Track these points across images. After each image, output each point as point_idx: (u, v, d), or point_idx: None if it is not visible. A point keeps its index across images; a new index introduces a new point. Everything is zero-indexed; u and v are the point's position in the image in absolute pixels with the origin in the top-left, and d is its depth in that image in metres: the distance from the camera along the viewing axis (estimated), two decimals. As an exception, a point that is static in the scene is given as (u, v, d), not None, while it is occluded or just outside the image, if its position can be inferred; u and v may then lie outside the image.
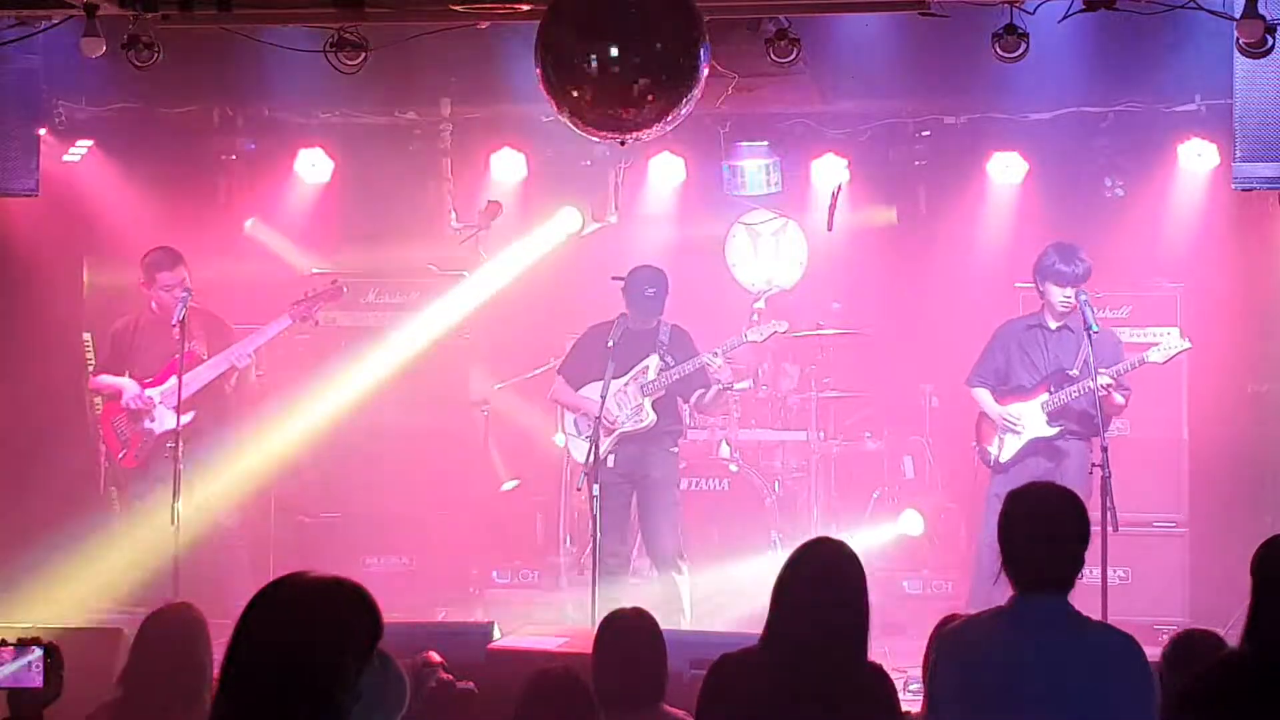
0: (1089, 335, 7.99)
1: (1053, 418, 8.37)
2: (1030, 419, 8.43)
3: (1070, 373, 8.33)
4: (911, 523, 9.83)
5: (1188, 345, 8.39)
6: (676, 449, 8.81)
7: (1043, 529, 4.23)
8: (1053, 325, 8.47)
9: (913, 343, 10.34)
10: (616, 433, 8.51)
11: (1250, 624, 4.24)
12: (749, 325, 8.81)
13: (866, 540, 9.32)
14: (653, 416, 8.56)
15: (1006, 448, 8.48)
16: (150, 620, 5.04)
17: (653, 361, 8.57)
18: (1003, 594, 4.30)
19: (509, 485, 10.41)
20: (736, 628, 7.19)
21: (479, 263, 10.18)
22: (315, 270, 9.81)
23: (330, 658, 2.50)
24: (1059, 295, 8.34)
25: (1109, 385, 8.12)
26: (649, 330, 8.64)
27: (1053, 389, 8.36)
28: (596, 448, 8.26)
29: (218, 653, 5.30)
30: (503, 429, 10.53)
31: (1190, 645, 4.91)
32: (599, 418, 8.34)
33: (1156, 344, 8.41)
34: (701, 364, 8.49)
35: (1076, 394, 8.23)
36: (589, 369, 8.70)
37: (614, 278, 8.68)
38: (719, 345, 8.58)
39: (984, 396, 8.62)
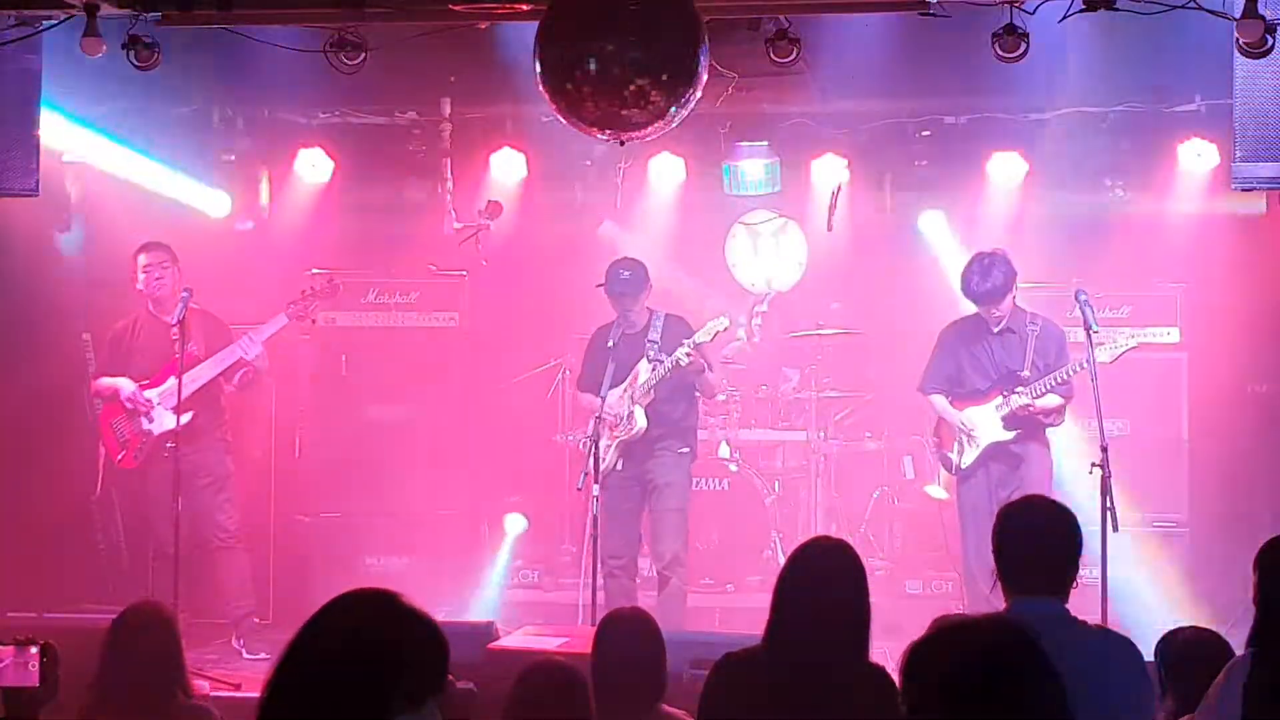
0: (1089, 335, 7.98)
1: (1008, 421, 8.35)
2: (986, 424, 8.41)
3: (1021, 374, 8.31)
4: (936, 492, 9.83)
5: (1134, 343, 8.31)
6: (687, 449, 8.71)
7: (1036, 546, 4.26)
8: (995, 329, 8.44)
9: (913, 343, 10.33)
10: (617, 441, 8.49)
11: (1257, 625, 4.25)
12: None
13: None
14: (642, 424, 8.52)
15: (966, 454, 8.48)
16: (119, 621, 5.08)
17: (642, 367, 8.55)
18: (1000, 597, 4.32)
19: (517, 522, 10.39)
20: (736, 628, 7.19)
21: (478, 263, 10.18)
22: (315, 270, 9.81)
23: (390, 697, 2.41)
24: (985, 313, 8.36)
25: (1026, 405, 8.18)
26: (640, 331, 8.62)
27: (1005, 393, 8.35)
28: (596, 448, 8.26)
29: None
30: (503, 428, 10.53)
31: (1181, 642, 4.91)
32: (599, 418, 8.35)
33: (1103, 344, 8.33)
34: (675, 360, 8.40)
35: (1028, 396, 8.24)
36: (595, 375, 8.70)
37: (597, 285, 8.68)
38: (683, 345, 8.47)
39: (940, 402, 8.61)
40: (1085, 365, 7.99)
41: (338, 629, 2.48)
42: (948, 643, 2.64)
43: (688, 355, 8.33)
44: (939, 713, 2.55)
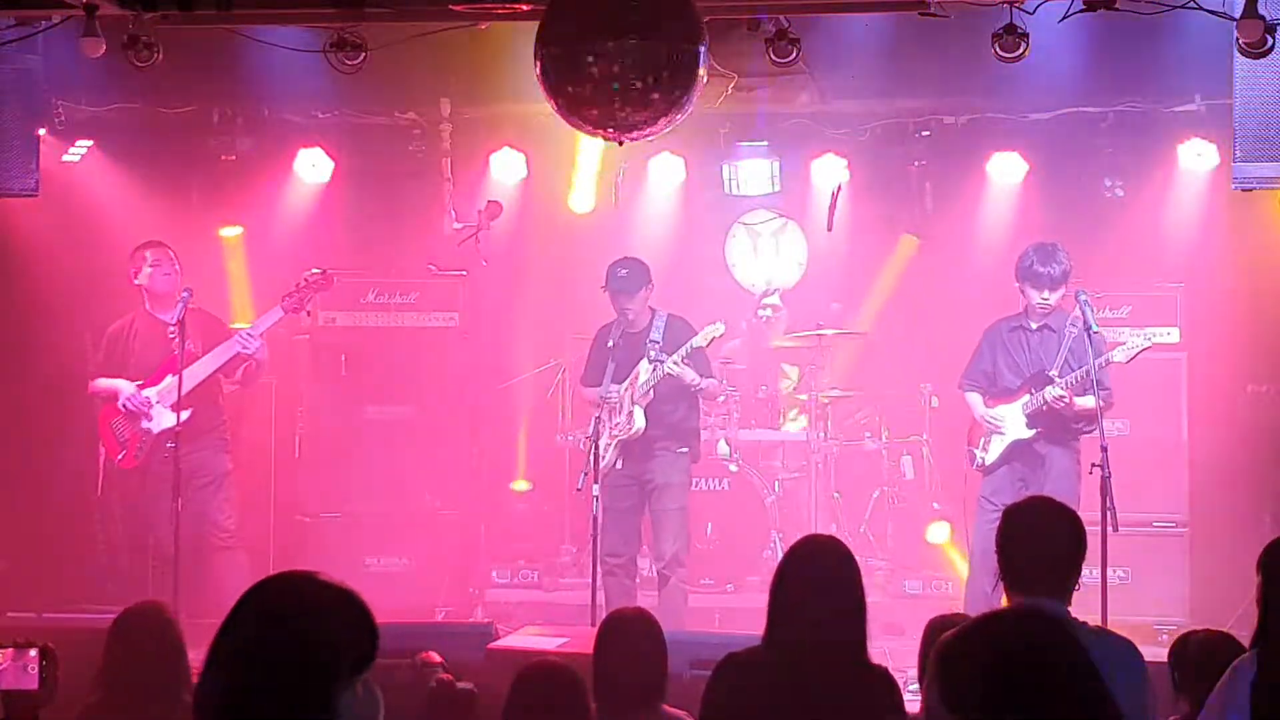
0: (1089, 335, 7.97)
1: (1031, 419, 8.32)
2: (1011, 421, 8.38)
3: (1050, 373, 8.29)
4: (940, 532, 9.81)
5: (1148, 343, 8.29)
6: (686, 450, 8.74)
7: (1040, 547, 4.26)
8: (1034, 325, 8.42)
9: (913, 343, 10.34)
10: (615, 441, 8.49)
11: (1261, 626, 4.25)
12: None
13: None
14: (641, 423, 8.53)
15: (991, 450, 8.45)
16: (120, 621, 5.07)
17: (643, 367, 8.57)
18: (1001, 597, 4.32)
19: (521, 486, 10.40)
20: (736, 628, 7.19)
21: (478, 263, 10.17)
22: (315, 271, 9.80)
23: (313, 673, 2.38)
24: (1036, 297, 8.29)
25: (1060, 396, 8.13)
26: (642, 331, 8.63)
27: (1033, 390, 8.32)
28: (596, 448, 8.27)
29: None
30: (504, 428, 10.54)
31: (1196, 645, 4.91)
32: (598, 418, 8.36)
33: (1121, 344, 8.32)
34: (667, 368, 8.44)
35: (1062, 388, 8.20)
36: (596, 373, 8.71)
37: (601, 287, 8.68)
38: (676, 353, 8.51)
39: (974, 400, 8.58)
40: (1108, 363, 8.01)
41: (258, 620, 2.45)
42: (974, 643, 2.58)
43: (675, 365, 8.37)
44: (975, 712, 2.50)
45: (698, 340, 8.46)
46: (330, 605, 2.45)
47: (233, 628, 2.45)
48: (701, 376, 8.59)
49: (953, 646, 2.58)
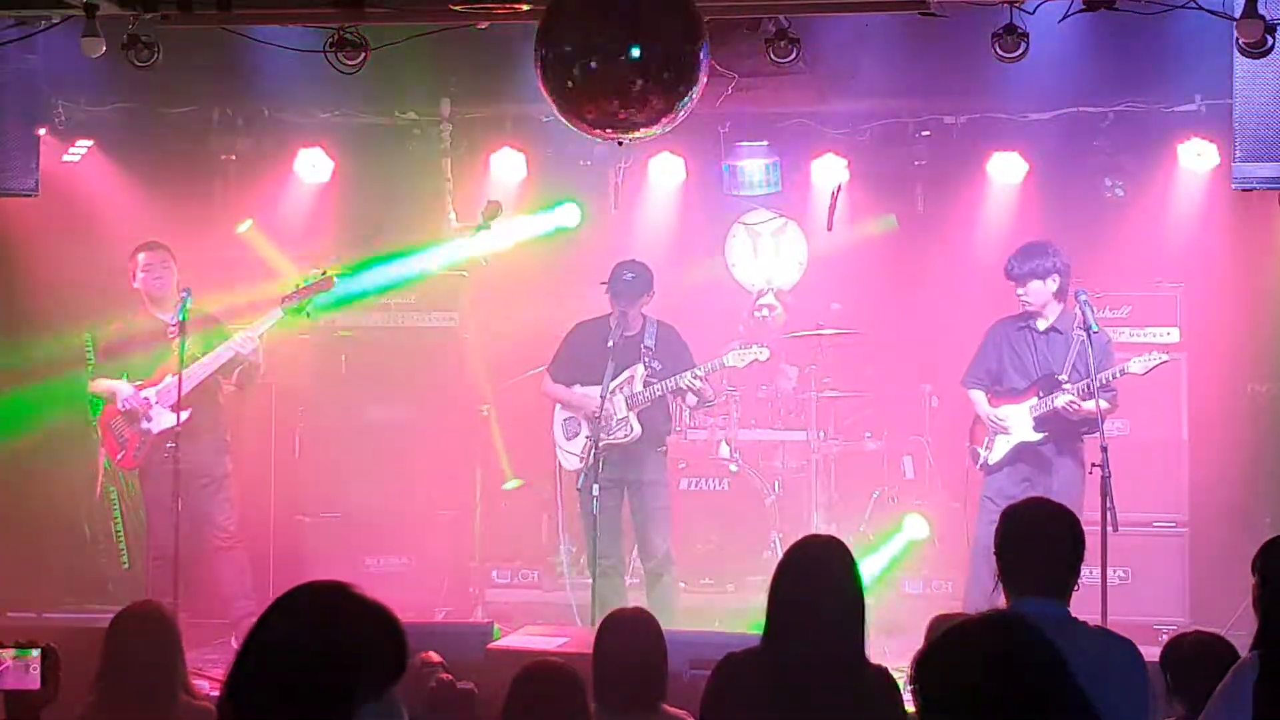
0: (1088, 335, 7.97)
1: (1039, 423, 8.31)
2: (1018, 423, 8.38)
3: (1059, 377, 8.28)
4: (917, 527, 9.80)
5: (1166, 358, 8.31)
6: (664, 448, 8.85)
7: (1038, 548, 4.27)
8: (1041, 327, 8.42)
9: (913, 343, 10.33)
10: (602, 444, 8.49)
11: (1261, 627, 4.26)
12: (731, 348, 8.72)
13: (878, 559, 9.40)
14: (638, 430, 8.58)
15: (996, 450, 8.46)
16: (118, 621, 5.07)
17: (638, 372, 8.58)
18: (1002, 597, 4.32)
19: (512, 484, 10.40)
20: (736, 628, 7.19)
21: (478, 263, 10.17)
22: (315, 272, 9.80)
23: (343, 685, 2.40)
24: (1017, 292, 8.33)
25: (1072, 402, 8.12)
26: (635, 335, 8.64)
27: (1041, 394, 8.32)
28: (597, 447, 8.27)
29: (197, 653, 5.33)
30: (503, 429, 10.53)
31: (1189, 646, 4.92)
32: (599, 417, 8.36)
33: (1142, 354, 8.32)
34: (684, 382, 8.51)
35: (1074, 394, 8.19)
36: (577, 370, 8.72)
37: (601, 283, 8.69)
38: (699, 366, 8.56)
39: (978, 398, 8.59)
40: (1123, 373, 8.07)
41: (290, 625, 2.47)
42: (950, 649, 2.59)
43: (696, 380, 8.43)
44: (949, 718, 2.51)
45: (732, 359, 8.53)
46: (359, 616, 2.45)
47: (262, 633, 2.47)
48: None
49: (927, 653, 2.60)
